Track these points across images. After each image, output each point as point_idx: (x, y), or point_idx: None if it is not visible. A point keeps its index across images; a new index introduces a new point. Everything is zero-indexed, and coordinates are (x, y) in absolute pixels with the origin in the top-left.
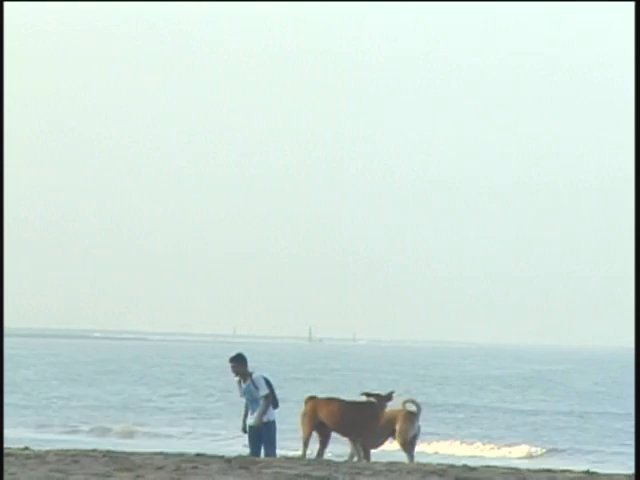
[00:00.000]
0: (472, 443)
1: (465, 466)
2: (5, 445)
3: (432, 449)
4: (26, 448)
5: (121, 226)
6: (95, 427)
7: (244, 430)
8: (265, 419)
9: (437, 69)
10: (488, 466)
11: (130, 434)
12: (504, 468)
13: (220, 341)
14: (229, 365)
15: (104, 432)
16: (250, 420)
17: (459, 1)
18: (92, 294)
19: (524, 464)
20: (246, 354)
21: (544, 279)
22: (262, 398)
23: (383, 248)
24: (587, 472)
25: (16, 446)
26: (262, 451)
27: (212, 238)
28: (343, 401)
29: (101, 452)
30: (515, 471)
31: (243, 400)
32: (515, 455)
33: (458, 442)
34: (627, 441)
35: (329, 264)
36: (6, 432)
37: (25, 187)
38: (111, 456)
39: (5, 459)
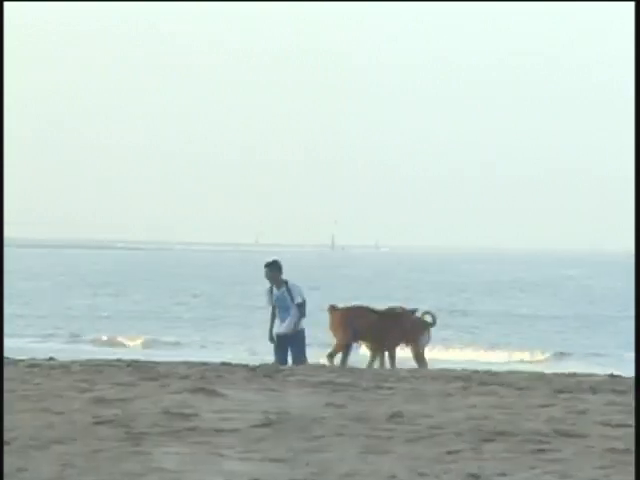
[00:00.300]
0: (477, 349)
1: (489, 371)
2: (32, 355)
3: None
4: (51, 358)
5: (144, 137)
6: (108, 338)
7: (271, 339)
8: (298, 327)
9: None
10: (512, 371)
11: (148, 344)
12: (528, 373)
13: (242, 250)
14: (263, 270)
15: (115, 343)
16: (280, 328)
17: (459, 1)
18: (116, 204)
19: (530, 368)
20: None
21: (567, 183)
22: (296, 306)
23: (405, 154)
24: (611, 375)
25: (41, 357)
26: (289, 359)
27: (236, 146)
28: (376, 311)
29: (125, 362)
30: (540, 375)
31: (268, 309)
32: (517, 359)
33: (458, 348)
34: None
35: (352, 173)
36: (27, 344)
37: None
38: (135, 366)
39: (30, 370)
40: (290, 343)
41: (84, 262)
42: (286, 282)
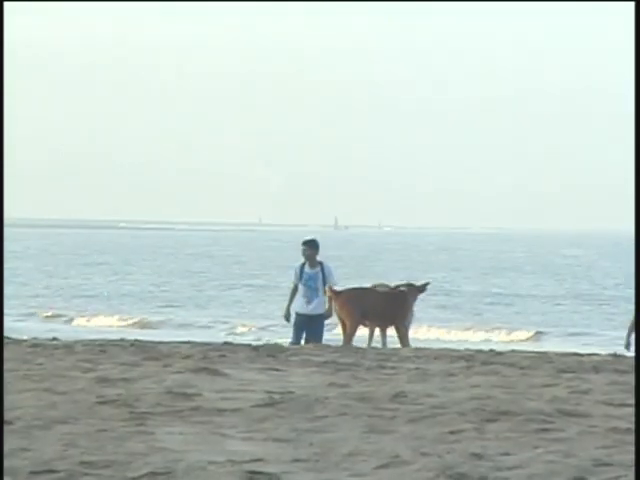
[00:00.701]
0: (459, 327)
1: (492, 351)
2: (33, 335)
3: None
4: (54, 339)
5: (146, 119)
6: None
7: (287, 317)
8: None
9: None
10: (515, 350)
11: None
12: (531, 352)
13: (245, 229)
14: (301, 248)
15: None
16: (306, 308)
17: (461, 1)
18: (120, 184)
19: (511, 347)
20: (271, 242)
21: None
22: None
23: (406, 135)
24: (614, 355)
25: (44, 336)
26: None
27: (239, 126)
28: (382, 292)
29: (128, 342)
30: (542, 355)
31: (288, 286)
32: (497, 339)
33: (437, 327)
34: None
35: (355, 152)
36: (23, 324)
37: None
38: (138, 345)
39: (33, 349)
40: (310, 325)
41: (83, 241)
42: (321, 263)
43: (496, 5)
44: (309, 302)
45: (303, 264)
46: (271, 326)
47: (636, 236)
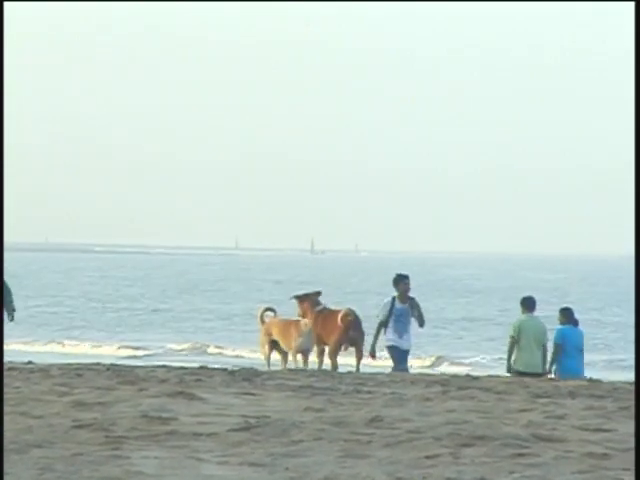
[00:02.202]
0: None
1: (468, 376)
2: (8, 359)
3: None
4: (29, 362)
5: (125, 141)
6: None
7: (373, 354)
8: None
9: None
10: (491, 375)
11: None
12: (507, 377)
13: (222, 254)
14: (394, 279)
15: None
16: (403, 343)
17: (461, 1)
18: (94, 208)
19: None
20: (248, 267)
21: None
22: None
23: (384, 160)
24: (590, 380)
25: (19, 360)
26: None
27: (213, 151)
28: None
29: (104, 366)
30: (518, 380)
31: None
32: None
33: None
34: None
35: (332, 176)
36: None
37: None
38: (114, 369)
39: (9, 373)
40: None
41: (54, 266)
42: (412, 298)
43: None
44: (401, 336)
45: (394, 298)
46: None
47: (636, 249)
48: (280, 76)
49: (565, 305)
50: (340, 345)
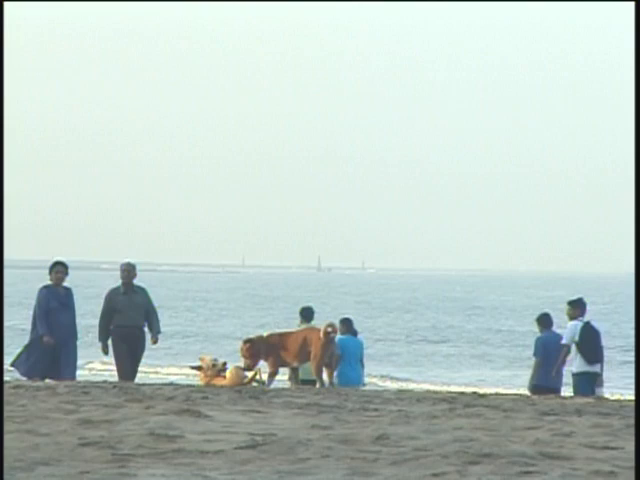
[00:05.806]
0: None
1: (475, 393)
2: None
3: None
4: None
5: (131, 157)
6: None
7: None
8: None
9: None
10: (498, 393)
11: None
12: (514, 395)
13: (229, 271)
14: (566, 308)
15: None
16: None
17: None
18: (102, 225)
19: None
20: (254, 284)
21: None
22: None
23: (391, 178)
24: (597, 397)
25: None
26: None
27: (220, 170)
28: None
29: (111, 383)
30: (525, 397)
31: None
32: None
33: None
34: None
35: (339, 193)
36: None
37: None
38: (121, 387)
39: (15, 391)
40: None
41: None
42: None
43: None
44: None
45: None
46: None
47: (636, 259)
48: (294, 95)
49: (345, 316)
50: (324, 359)
